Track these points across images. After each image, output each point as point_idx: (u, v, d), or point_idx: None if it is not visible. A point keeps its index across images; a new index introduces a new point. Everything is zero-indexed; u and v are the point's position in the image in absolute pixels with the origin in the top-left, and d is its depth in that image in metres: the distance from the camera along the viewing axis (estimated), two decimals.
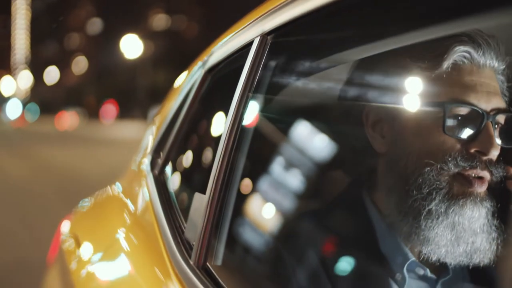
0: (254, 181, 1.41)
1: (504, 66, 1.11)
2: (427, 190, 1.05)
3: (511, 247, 1.03)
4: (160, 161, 1.91)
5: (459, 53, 1.07)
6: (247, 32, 1.39)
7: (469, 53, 1.07)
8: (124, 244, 1.72)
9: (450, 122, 1.05)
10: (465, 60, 1.07)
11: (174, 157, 1.89)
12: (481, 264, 1.05)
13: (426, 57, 1.08)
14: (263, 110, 1.33)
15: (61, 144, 24.97)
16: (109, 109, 62.56)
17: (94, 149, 21.98)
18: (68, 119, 59.71)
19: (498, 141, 1.06)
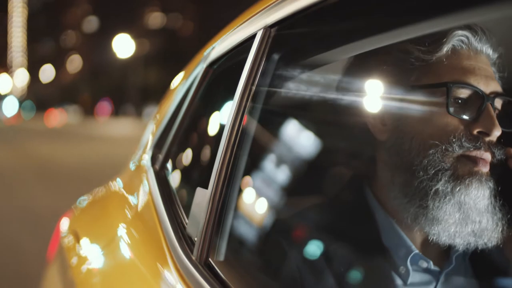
0: (257, 176, 1.40)
1: (496, 56, 1.14)
2: (433, 171, 1.07)
3: None
4: (161, 156, 1.90)
5: (458, 37, 1.10)
6: (250, 25, 1.37)
7: (467, 37, 1.11)
8: (125, 239, 1.70)
9: (452, 103, 1.07)
10: (463, 45, 1.11)
11: (175, 152, 1.88)
12: (488, 246, 1.06)
13: (426, 40, 1.11)
14: (266, 104, 1.32)
15: (47, 139, 27.86)
16: (104, 106, 63.08)
17: (76, 143, 24.94)
18: (57, 116, 60.44)
19: None
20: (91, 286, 1.66)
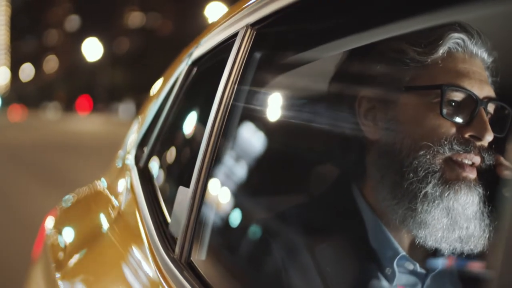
0: (239, 175, 1.39)
1: (491, 60, 1.13)
2: (423, 173, 1.06)
3: (501, 234, 1.03)
4: (145, 155, 1.89)
5: (454, 39, 1.10)
6: (232, 24, 1.37)
7: (463, 40, 1.10)
8: (108, 239, 1.70)
9: (446, 106, 1.06)
10: (459, 48, 1.10)
11: (159, 150, 1.87)
12: (474, 251, 1.06)
13: (422, 42, 1.10)
14: (248, 102, 1.32)
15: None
16: (83, 103, 64.24)
17: (29, 132, 28.49)
18: (20, 112, 62.70)
19: None
20: (73, 286, 1.65)
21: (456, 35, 1.09)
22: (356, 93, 1.17)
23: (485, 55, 1.12)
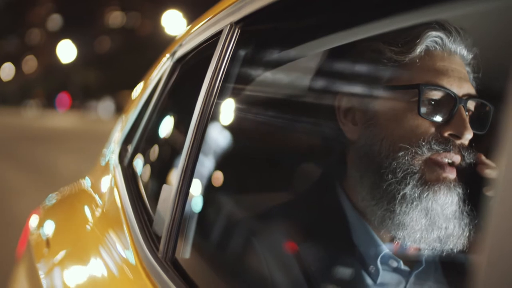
0: (223, 173, 1.39)
1: (471, 56, 1.13)
2: (402, 174, 1.05)
3: (482, 232, 1.03)
4: (129, 153, 1.88)
5: (432, 38, 1.09)
6: (216, 22, 1.37)
7: (441, 38, 1.09)
8: (91, 237, 1.69)
9: (424, 105, 1.06)
10: (437, 46, 1.09)
11: (143, 148, 1.87)
12: (454, 251, 1.06)
13: (399, 41, 1.09)
14: (232, 100, 1.31)
15: None
16: (62, 100, 64.72)
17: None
18: None
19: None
20: (56, 286, 1.64)
21: (433, 33, 1.09)
22: (336, 92, 1.16)
23: (464, 52, 1.12)
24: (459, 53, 1.11)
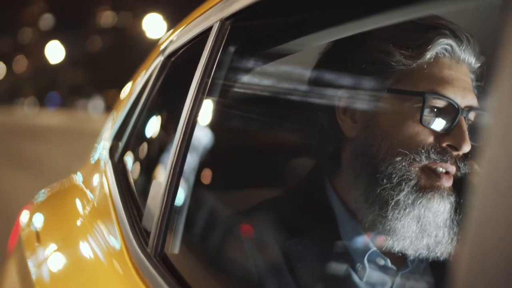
0: (212, 169, 1.39)
1: (478, 65, 1.11)
2: (397, 180, 1.05)
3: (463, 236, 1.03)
4: (119, 149, 1.88)
5: (442, 45, 1.07)
6: (207, 18, 1.37)
7: (451, 46, 1.08)
8: (82, 233, 1.69)
9: (427, 113, 1.05)
10: (446, 53, 1.08)
11: (133, 144, 1.87)
12: (441, 258, 1.06)
13: (410, 45, 1.08)
14: (222, 97, 1.31)
15: None
16: (53, 99, 64.92)
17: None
18: None
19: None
20: (46, 280, 1.64)
21: (445, 40, 1.07)
22: (338, 87, 1.15)
23: (472, 61, 1.11)
24: (467, 61, 1.10)
